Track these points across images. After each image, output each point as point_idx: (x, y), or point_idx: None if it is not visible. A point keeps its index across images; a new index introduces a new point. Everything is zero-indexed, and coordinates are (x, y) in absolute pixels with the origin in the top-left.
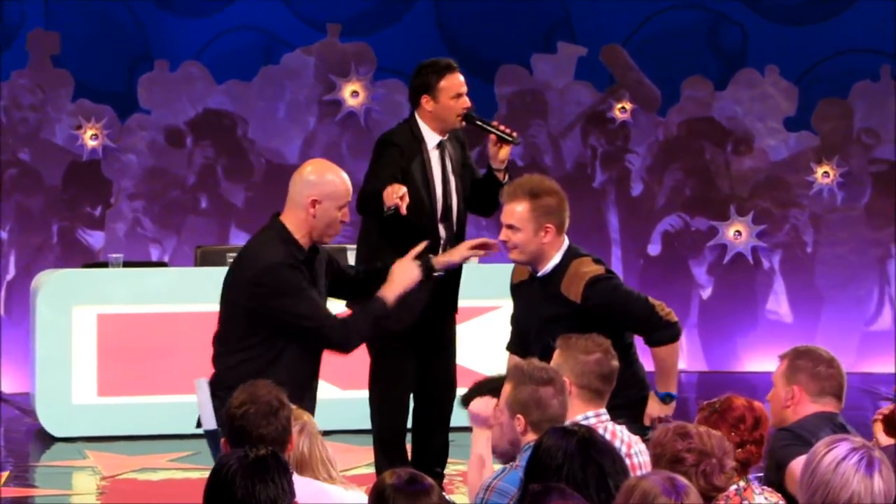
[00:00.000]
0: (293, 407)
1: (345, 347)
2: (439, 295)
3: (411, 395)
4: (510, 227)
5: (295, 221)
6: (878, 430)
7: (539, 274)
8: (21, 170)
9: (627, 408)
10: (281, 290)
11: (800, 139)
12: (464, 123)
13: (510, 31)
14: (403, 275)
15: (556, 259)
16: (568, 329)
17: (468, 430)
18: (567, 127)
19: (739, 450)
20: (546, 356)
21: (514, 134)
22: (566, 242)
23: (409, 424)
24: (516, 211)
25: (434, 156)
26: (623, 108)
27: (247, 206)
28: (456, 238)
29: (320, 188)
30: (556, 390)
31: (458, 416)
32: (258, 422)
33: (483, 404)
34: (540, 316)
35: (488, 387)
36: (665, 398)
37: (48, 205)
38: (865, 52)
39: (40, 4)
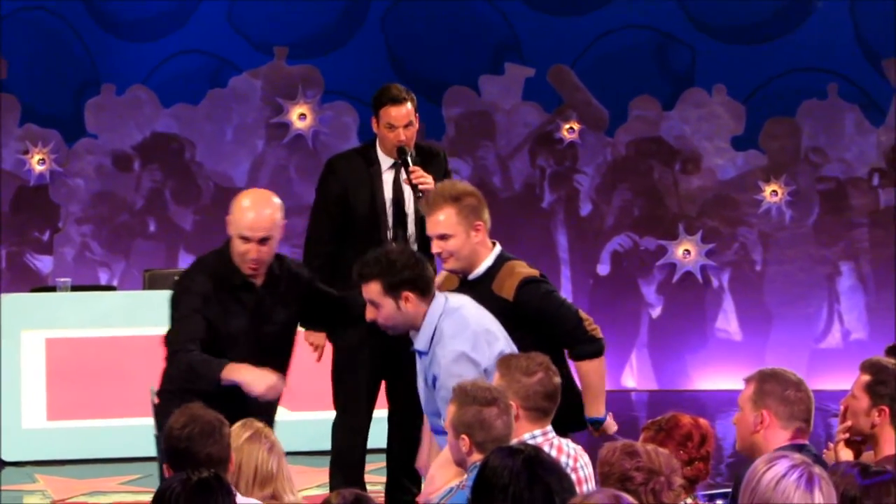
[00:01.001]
0: (260, 425)
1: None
2: None
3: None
4: (441, 237)
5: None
6: (841, 447)
7: (470, 277)
8: None
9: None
10: (172, 304)
11: (748, 158)
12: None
13: (457, 52)
14: (254, 380)
15: (487, 262)
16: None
17: None
18: (515, 148)
19: (688, 467)
20: None
21: (422, 191)
22: (498, 247)
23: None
24: (442, 220)
25: (387, 177)
26: (571, 128)
27: (195, 229)
28: None
29: (230, 214)
30: (500, 410)
31: None
32: (204, 441)
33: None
34: None
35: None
36: (594, 424)
37: None
38: (812, 70)
39: None
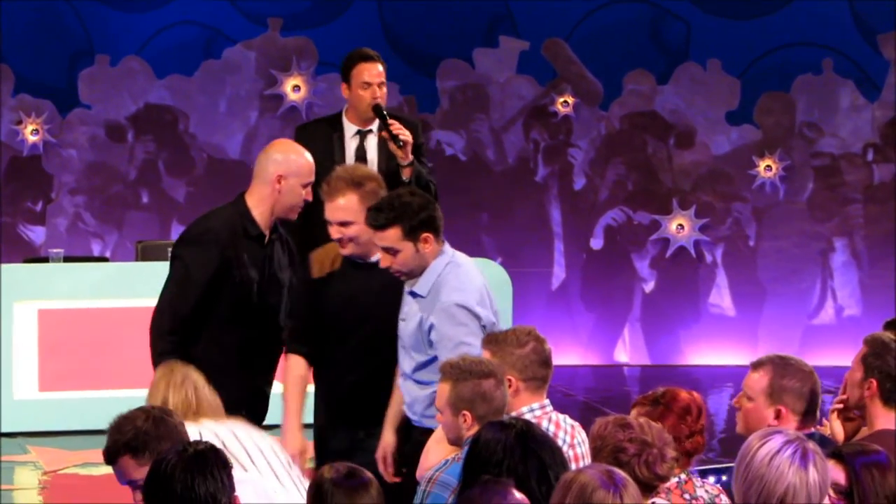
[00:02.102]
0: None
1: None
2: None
3: None
4: (343, 223)
5: (257, 198)
6: (834, 419)
7: (371, 259)
8: None
9: None
10: (188, 241)
11: (742, 133)
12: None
13: (452, 25)
14: None
15: None
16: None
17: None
18: (509, 121)
19: (688, 441)
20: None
21: (402, 139)
22: None
23: None
24: (343, 205)
25: (351, 144)
26: (565, 101)
27: (188, 200)
28: None
29: (287, 165)
30: (497, 381)
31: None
32: (158, 433)
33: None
34: (381, 301)
35: None
36: None
37: None
38: (807, 45)
39: None
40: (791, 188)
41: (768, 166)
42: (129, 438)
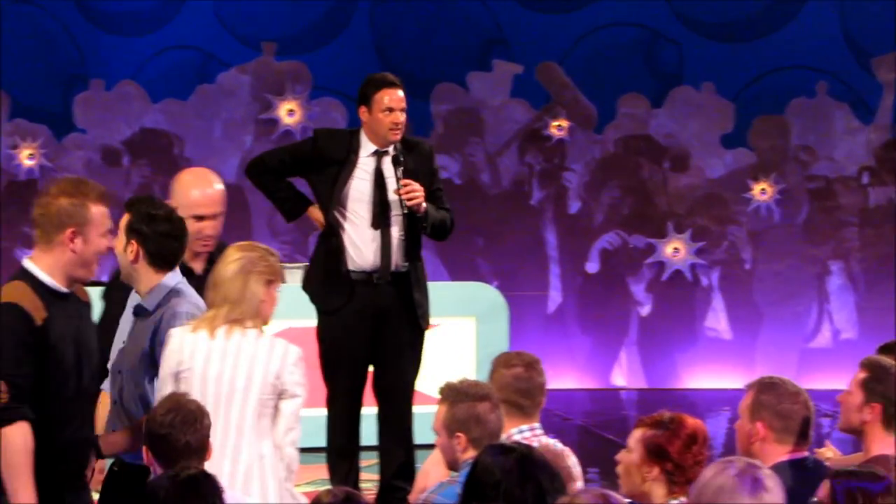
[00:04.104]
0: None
1: None
2: (392, 302)
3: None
4: None
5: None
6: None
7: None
8: None
9: None
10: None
11: (737, 156)
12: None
13: (446, 49)
14: None
15: None
16: None
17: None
18: (504, 145)
19: (691, 470)
20: None
21: (409, 207)
22: None
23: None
24: None
25: (367, 163)
26: (559, 125)
27: None
28: (401, 241)
29: (173, 197)
30: (492, 405)
31: (424, 434)
32: (184, 429)
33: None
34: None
35: None
36: None
37: None
38: (801, 68)
39: None
40: (786, 211)
41: (763, 189)
42: None
